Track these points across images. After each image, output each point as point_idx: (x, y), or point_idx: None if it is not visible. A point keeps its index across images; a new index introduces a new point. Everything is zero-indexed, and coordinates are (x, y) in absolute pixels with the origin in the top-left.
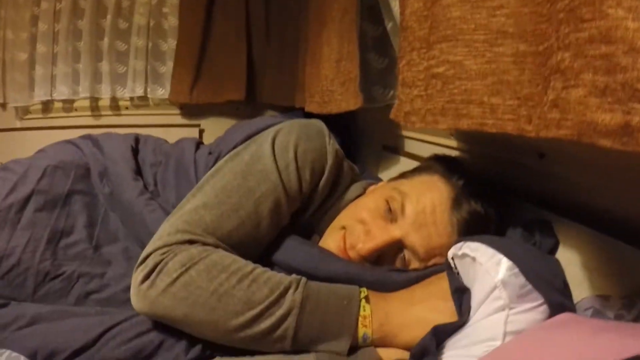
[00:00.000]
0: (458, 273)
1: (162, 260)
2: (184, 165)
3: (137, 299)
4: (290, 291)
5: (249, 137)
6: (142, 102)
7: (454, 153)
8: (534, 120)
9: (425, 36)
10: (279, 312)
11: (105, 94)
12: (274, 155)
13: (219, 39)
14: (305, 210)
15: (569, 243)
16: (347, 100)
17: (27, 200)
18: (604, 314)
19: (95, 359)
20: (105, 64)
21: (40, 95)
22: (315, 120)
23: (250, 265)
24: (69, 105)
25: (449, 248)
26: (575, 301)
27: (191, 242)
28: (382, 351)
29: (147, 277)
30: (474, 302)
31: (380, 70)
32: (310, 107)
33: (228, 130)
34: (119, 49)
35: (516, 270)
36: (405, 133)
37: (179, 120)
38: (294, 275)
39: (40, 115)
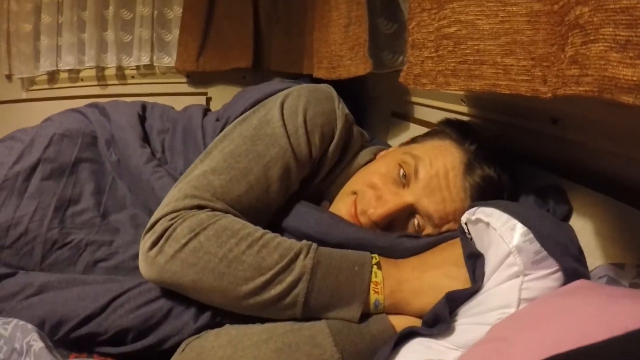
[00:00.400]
0: (471, 238)
1: (170, 226)
2: (192, 132)
3: (146, 266)
4: (301, 257)
5: (257, 102)
6: (148, 70)
7: (465, 119)
8: (550, 80)
9: None
10: (289, 278)
11: (111, 63)
12: (283, 120)
13: (225, 5)
14: (315, 176)
15: (583, 210)
16: (356, 65)
17: (33, 168)
18: (619, 283)
19: (104, 326)
20: (110, 33)
21: (45, 65)
22: (324, 85)
23: (260, 230)
24: (74, 75)
25: (462, 214)
26: (589, 269)
27: (200, 207)
28: (393, 319)
29: (155, 243)
30: (488, 268)
31: (389, 35)
32: (318, 73)
33: (235, 96)
34: (124, 17)
35: (531, 236)
36: (414, 99)
37: (186, 88)
38: (304, 241)
39: (46, 86)
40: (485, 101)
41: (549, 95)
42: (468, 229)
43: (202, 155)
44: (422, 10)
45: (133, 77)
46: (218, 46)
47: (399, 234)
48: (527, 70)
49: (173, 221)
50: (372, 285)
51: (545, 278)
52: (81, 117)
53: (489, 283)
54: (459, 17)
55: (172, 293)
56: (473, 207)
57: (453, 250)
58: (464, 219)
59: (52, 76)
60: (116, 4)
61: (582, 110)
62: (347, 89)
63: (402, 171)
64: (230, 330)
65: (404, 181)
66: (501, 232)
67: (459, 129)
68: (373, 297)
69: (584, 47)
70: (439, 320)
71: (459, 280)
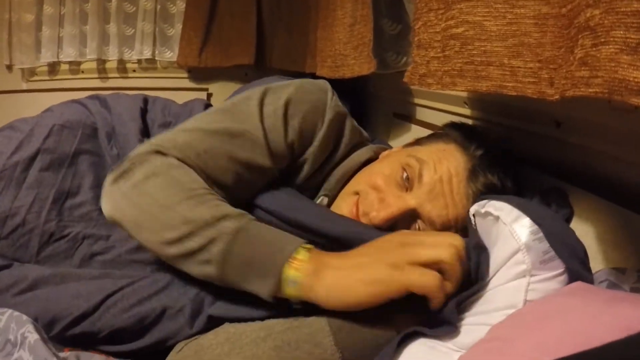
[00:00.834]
0: (476, 230)
1: (129, 167)
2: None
3: (104, 200)
4: (230, 219)
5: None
6: (149, 64)
7: (468, 122)
8: (557, 82)
9: None
10: (210, 234)
11: (112, 56)
12: (263, 101)
13: (229, 2)
14: (303, 166)
15: (585, 214)
16: (360, 64)
17: (32, 159)
18: (620, 287)
19: (97, 326)
20: (112, 26)
21: (46, 57)
22: (320, 80)
23: (205, 189)
24: (75, 67)
25: (464, 221)
26: None
27: (159, 152)
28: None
29: (115, 180)
30: (494, 263)
31: (393, 36)
32: (321, 72)
33: (235, 91)
34: (127, 10)
35: (540, 234)
36: (417, 101)
37: (187, 83)
38: (241, 210)
39: (47, 77)
40: (489, 104)
41: (556, 97)
42: (475, 221)
43: None
44: (429, 10)
45: (134, 70)
46: (220, 42)
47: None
48: (534, 72)
49: (133, 163)
50: (293, 261)
51: (551, 280)
52: (82, 108)
53: (494, 280)
54: (466, 17)
55: (164, 292)
56: (484, 199)
57: (379, 240)
58: (472, 210)
59: (53, 67)
60: None
61: (585, 114)
62: (349, 88)
63: (405, 174)
64: (228, 328)
65: (407, 184)
66: (511, 228)
67: (464, 133)
68: (290, 272)
69: (594, 49)
70: (443, 320)
71: (387, 265)
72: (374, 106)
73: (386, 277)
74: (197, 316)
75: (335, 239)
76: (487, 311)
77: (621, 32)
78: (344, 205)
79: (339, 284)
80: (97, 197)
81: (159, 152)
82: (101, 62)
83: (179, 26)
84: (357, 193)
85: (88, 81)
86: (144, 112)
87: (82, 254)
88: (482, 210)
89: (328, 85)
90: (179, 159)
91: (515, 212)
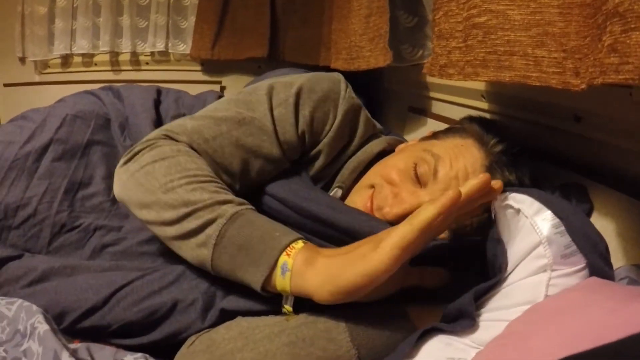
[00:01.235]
0: (496, 223)
1: (139, 151)
2: None
3: (115, 182)
4: (228, 204)
5: None
6: (163, 57)
7: (485, 115)
8: (583, 71)
9: None
10: (207, 216)
11: (125, 48)
12: (272, 90)
13: None
14: (316, 157)
15: (604, 210)
16: (376, 56)
17: (45, 149)
18: None
19: (107, 319)
20: (125, 18)
21: (59, 49)
22: (333, 72)
23: (209, 177)
24: (88, 59)
25: (479, 219)
26: None
27: (168, 137)
28: (415, 313)
29: (125, 163)
30: (514, 257)
31: (409, 28)
32: (336, 64)
33: (249, 83)
34: (140, 2)
35: (562, 228)
36: (432, 94)
37: (200, 76)
38: (245, 200)
39: (60, 70)
40: (507, 97)
41: (582, 87)
42: (494, 214)
43: None
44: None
45: (147, 63)
46: (234, 35)
47: None
48: (558, 62)
49: (142, 147)
50: (286, 249)
51: (572, 275)
52: (95, 99)
53: (514, 274)
54: (489, 6)
55: (175, 285)
56: (504, 192)
57: (374, 235)
58: (493, 202)
59: (66, 60)
60: None
61: (606, 108)
62: (363, 82)
63: (420, 170)
64: (241, 322)
65: (422, 180)
66: (533, 221)
67: (482, 127)
68: (282, 258)
69: (624, 35)
70: (461, 316)
71: (370, 259)
72: (388, 100)
73: (371, 269)
74: (209, 310)
75: (346, 231)
76: (506, 307)
77: None
78: (358, 200)
79: (330, 271)
80: (109, 188)
81: (168, 137)
82: (114, 54)
83: (192, 19)
84: (372, 186)
85: (101, 73)
86: (157, 103)
87: (93, 245)
88: (503, 203)
89: (341, 77)
90: (187, 145)
91: (537, 204)
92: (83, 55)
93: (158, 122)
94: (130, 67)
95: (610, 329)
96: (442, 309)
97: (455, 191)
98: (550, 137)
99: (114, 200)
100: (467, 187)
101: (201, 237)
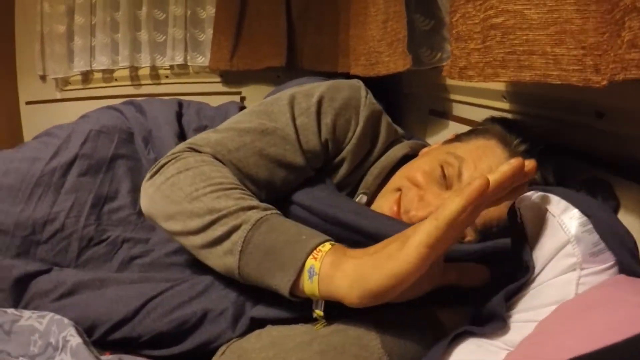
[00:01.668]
0: (522, 223)
1: (165, 164)
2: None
3: (142, 197)
4: (253, 210)
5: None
6: (182, 70)
7: (507, 116)
8: (603, 68)
9: None
10: (232, 222)
11: (144, 63)
12: (294, 100)
13: (258, 4)
14: (339, 165)
15: (631, 206)
16: (395, 61)
17: (70, 164)
18: None
19: (137, 331)
20: (144, 33)
21: (79, 66)
22: (353, 79)
23: (234, 185)
24: (108, 75)
25: (504, 220)
26: None
27: (192, 149)
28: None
29: (151, 177)
30: (541, 256)
31: (426, 32)
32: (355, 70)
33: (270, 93)
34: (157, 17)
35: (590, 226)
36: (453, 96)
37: (220, 87)
38: (270, 206)
39: (80, 86)
40: (528, 96)
41: (604, 83)
42: (520, 213)
43: None
44: (467, 1)
45: (167, 76)
46: (251, 45)
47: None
48: (578, 59)
49: (167, 160)
50: (313, 252)
51: (602, 273)
52: (117, 114)
53: (543, 274)
54: (506, 6)
55: (204, 295)
56: (531, 190)
57: (401, 234)
58: (518, 201)
59: (86, 76)
60: (149, 4)
61: (627, 103)
62: (383, 87)
63: (444, 173)
64: (271, 332)
65: (447, 183)
66: (560, 219)
67: (505, 128)
68: (309, 262)
69: None
70: (492, 318)
71: (397, 259)
72: (408, 105)
73: (399, 270)
74: (239, 318)
75: (373, 236)
76: (536, 307)
77: None
78: (384, 204)
79: (358, 273)
80: (135, 201)
81: (192, 150)
82: (133, 69)
83: (209, 31)
84: (399, 189)
85: (121, 88)
86: (179, 115)
87: (121, 258)
88: (529, 202)
89: (361, 84)
90: (211, 155)
91: (564, 203)
92: (103, 71)
93: (181, 135)
94: (150, 82)
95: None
96: (469, 311)
97: (481, 179)
98: (573, 134)
99: (140, 213)
100: (498, 173)
101: (227, 244)
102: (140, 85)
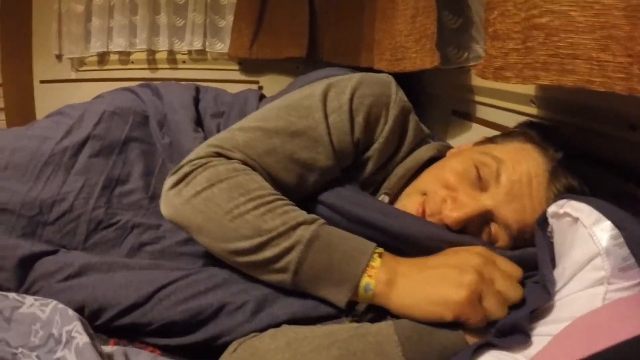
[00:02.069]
0: (551, 232)
1: (190, 172)
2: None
3: (164, 204)
4: (302, 227)
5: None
6: (200, 56)
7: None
8: None
9: None
10: (285, 244)
11: (162, 46)
12: (326, 97)
13: None
14: (366, 163)
15: None
16: (422, 58)
17: (82, 144)
18: None
19: (148, 317)
20: (163, 17)
21: (96, 47)
22: (382, 74)
23: (274, 195)
24: (125, 57)
25: None
26: None
27: (218, 154)
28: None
29: (175, 184)
30: (570, 267)
31: (454, 30)
32: (380, 65)
33: (291, 83)
34: (177, 1)
35: (621, 240)
36: (477, 98)
37: (237, 75)
38: (312, 215)
39: (96, 67)
40: (559, 103)
41: None
42: (551, 223)
43: None
44: None
45: (184, 62)
46: (272, 34)
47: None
48: (624, 67)
49: (194, 167)
50: (368, 269)
51: (628, 290)
52: (133, 95)
53: (569, 285)
54: (551, 7)
55: (223, 288)
56: (561, 199)
57: (456, 254)
58: (550, 211)
59: (103, 57)
60: None
61: None
62: (404, 85)
63: (480, 173)
64: (288, 332)
65: (482, 185)
66: (591, 230)
67: (542, 133)
68: (365, 279)
69: None
70: (515, 331)
71: (457, 286)
72: (430, 104)
73: (458, 300)
74: (258, 313)
75: (399, 236)
76: (561, 320)
77: None
78: (409, 204)
79: (410, 297)
80: (147, 186)
81: (220, 154)
82: (151, 52)
83: (229, 17)
84: (424, 193)
85: (138, 71)
86: (196, 100)
87: (131, 243)
88: (561, 211)
89: (391, 79)
90: (241, 161)
91: (596, 214)
92: (120, 53)
93: (197, 120)
94: (167, 66)
95: None
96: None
97: None
98: (603, 144)
99: (152, 198)
100: None
101: (279, 264)
102: (157, 69)
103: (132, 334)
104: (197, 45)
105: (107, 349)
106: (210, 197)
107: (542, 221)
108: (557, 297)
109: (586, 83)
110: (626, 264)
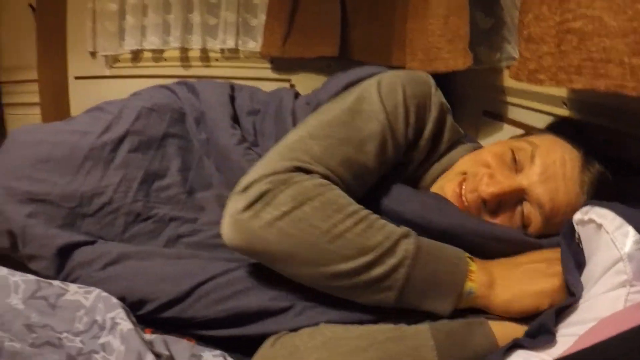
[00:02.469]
0: (579, 239)
1: (269, 190)
2: (283, 115)
3: (234, 229)
4: (404, 241)
5: (349, 85)
6: (232, 54)
7: None
8: None
9: None
10: (391, 261)
11: (195, 45)
12: (381, 96)
13: None
14: (410, 162)
15: None
16: (455, 58)
17: (121, 140)
18: None
19: (188, 314)
20: (196, 15)
21: (130, 44)
22: (422, 72)
23: (364, 209)
24: (158, 55)
25: (573, 210)
26: None
27: (299, 169)
28: (496, 327)
29: (249, 206)
30: (594, 271)
31: (486, 30)
32: (412, 65)
33: (326, 82)
34: (210, 0)
35: None
36: (509, 99)
37: (269, 74)
38: (403, 227)
39: (130, 64)
40: (592, 105)
41: None
42: (577, 230)
43: (296, 127)
44: (542, 2)
45: (217, 59)
46: (304, 32)
47: (523, 231)
48: None
49: (272, 185)
50: (469, 274)
51: None
52: (169, 93)
53: (593, 289)
54: (585, 11)
55: (263, 289)
56: (586, 205)
57: (542, 252)
58: (575, 218)
59: (136, 55)
60: None
61: None
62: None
63: (515, 156)
64: (325, 331)
65: (517, 167)
66: (613, 236)
67: (575, 130)
68: (468, 284)
69: None
70: (542, 331)
71: (549, 276)
72: (461, 104)
73: (552, 289)
74: (300, 315)
75: (445, 232)
76: (586, 321)
77: None
78: (447, 185)
79: (509, 294)
80: (184, 180)
81: (299, 169)
82: (184, 50)
83: (262, 16)
84: (464, 173)
85: (171, 69)
86: (232, 98)
87: (168, 236)
88: (586, 218)
89: (430, 78)
90: (321, 175)
91: (619, 220)
92: (153, 50)
93: (234, 118)
94: (200, 64)
95: None
96: (518, 322)
97: None
98: (636, 148)
99: (189, 192)
100: None
101: (386, 282)
102: (190, 66)
103: (169, 325)
104: (230, 43)
105: (147, 336)
106: (302, 217)
107: (569, 229)
108: (582, 299)
109: (619, 88)
110: None
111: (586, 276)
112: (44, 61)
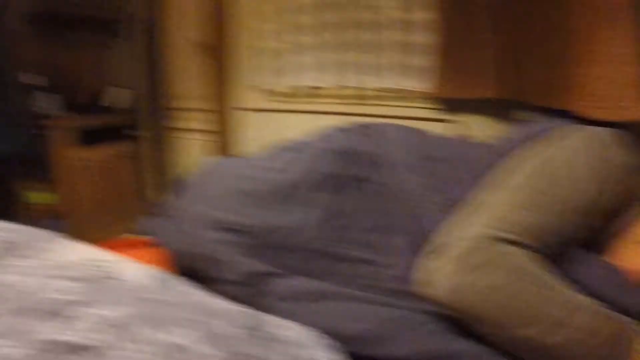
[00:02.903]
0: None
1: (487, 259)
2: (468, 162)
3: (440, 286)
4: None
5: (528, 138)
6: (390, 93)
7: None
8: None
9: None
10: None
11: (352, 83)
12: (594, 168)
13: (475, 31)
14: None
15: None
16: (631, 108)
17: (316, 180)
18: None
19: (382, 352)
20: (353, 55)
21: (288, 80)
22: (608, 130)
23: (577, 294)
24: (314, 91)
25: None
26: None
27: (513, 243)
28: None
29: (459, 271)
30: None
31: None
32: (584, 111)
33: (509, 132)
34: (368, 40)
35: None
36: None
37: (428, 114)
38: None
39: (287, 99)
40: None
41: None
42: None
43: (494, 187)
44: None
45: (376, 98)
46: (466, 73)
47: None
48: None
49: (487, 252)
50: None
51: None
52: (358, 136)
53: None
54: None
55: (458, 341)
56: None
57: None
58: None
59: (294, 90)
60: (360, 27)
61: None
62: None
63: None
64: None
65: None
66: None
67: None
68: None
69: None
70: None
71: None
72: None
73: None
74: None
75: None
76: None
77: None
78: (629, 257)
79: None
80: (375, 224)
81: (512, 242)
82: (341, 88)
83: (422, 56)
84: None
85: (327, 106)
86: (418, 143)
87: (358, 279)
88: None
89: (617, 138)
90: (534, 248)
91: None
92: (310, 87)
93: (420, 164)
94: (356, 101)
95: None
96: None
97: None
98: None
99: (379, 235)
100: None
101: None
102: (346, 104)
103: None
104: (388, 83)
105: None
106: (515, 294)
107: None
108: None
109: None
110: None
111: None
112: (209, 93)
